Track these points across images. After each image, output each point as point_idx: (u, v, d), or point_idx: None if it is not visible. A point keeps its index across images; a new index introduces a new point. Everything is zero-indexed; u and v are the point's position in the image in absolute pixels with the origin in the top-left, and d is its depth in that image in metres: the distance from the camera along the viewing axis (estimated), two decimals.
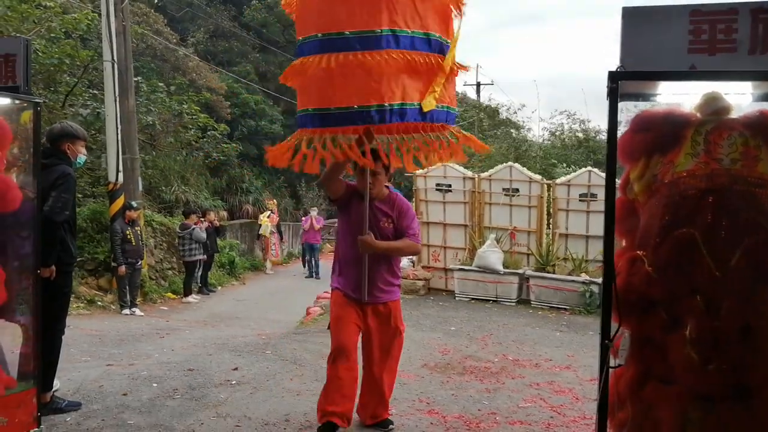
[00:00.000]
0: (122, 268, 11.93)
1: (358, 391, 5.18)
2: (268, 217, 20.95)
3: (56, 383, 5.59)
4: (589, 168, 13.25)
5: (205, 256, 15.14)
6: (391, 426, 5.26)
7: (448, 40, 4.58)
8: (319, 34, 4.27)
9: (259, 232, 21.27)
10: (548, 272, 12.42)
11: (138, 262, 12.45)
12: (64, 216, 5.24)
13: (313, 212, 20.37)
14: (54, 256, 5.17)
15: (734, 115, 3.09)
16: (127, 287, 12.14)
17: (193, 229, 14.40)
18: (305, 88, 4.53)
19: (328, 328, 5.10)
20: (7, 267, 4.65)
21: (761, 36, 2.90)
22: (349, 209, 5.12)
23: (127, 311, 11.87)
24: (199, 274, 15.45)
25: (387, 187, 5.26)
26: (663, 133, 3.10)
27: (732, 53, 2.93)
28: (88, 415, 5.43)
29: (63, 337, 5.56)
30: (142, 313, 12.03)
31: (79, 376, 6.48)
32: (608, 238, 3.03)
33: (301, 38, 4.49)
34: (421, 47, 4.35)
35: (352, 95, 4.22)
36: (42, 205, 4.91)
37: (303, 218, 21.12)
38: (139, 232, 12.57)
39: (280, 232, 21.75)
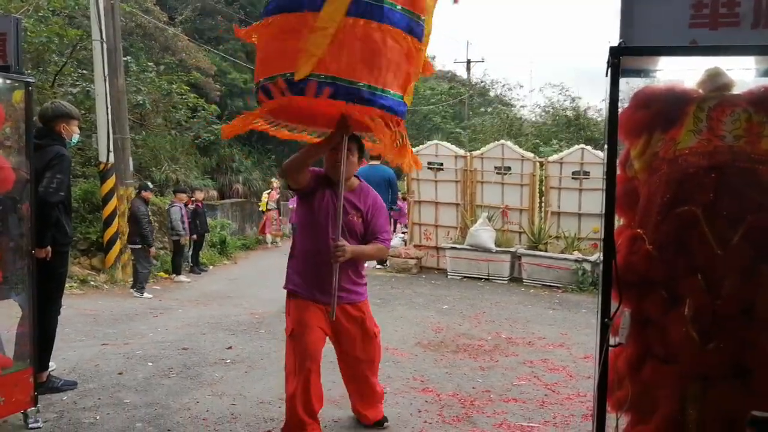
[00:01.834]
0: (153, 249, 12.06)
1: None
2: (269, 194, 21.18)
3: (52, 363, 5.59)
4: (582, 146, 13.24)
5: (195, 236, 15.10)
6: (386, 423, 4.97)
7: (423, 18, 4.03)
8: None
9: (261, 210, 21.65)
10: (540, 250, 12.44)
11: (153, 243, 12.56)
12: (58, 197, 5.21)
13: None
14: (49, 236, 5.15)
15: (737, 90, 3.07)
16: (146, 269, 12.15)
17: (172, 206, 14.37)
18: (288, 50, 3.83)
19: (290, 335, 4.47)
20: (2, 247, 4.62)
21: (765, 9, 2.84)
22: (312, 198, 4.48)
23: (135, 292, 11.82)
24: (190, 253, 15.41)
25: (356, 177, 4.73)
26: (664, 110, 3.06)
27: (735, 27, 2.87)
28: (84, 394, 5.44)
29: (58, 317, 5.54)
30: (151, 295, 12.00)
31: (75, 356, 6.48)
32: (608, 216, 3.01)
33: None
34: (405, 27, 3.88)
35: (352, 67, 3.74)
36: (36, 185, 4.88)
37: (291, 198, 21.13)
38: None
39: (279, 208, 21.86)
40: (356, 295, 4.64)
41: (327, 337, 4.59)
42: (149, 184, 12.87)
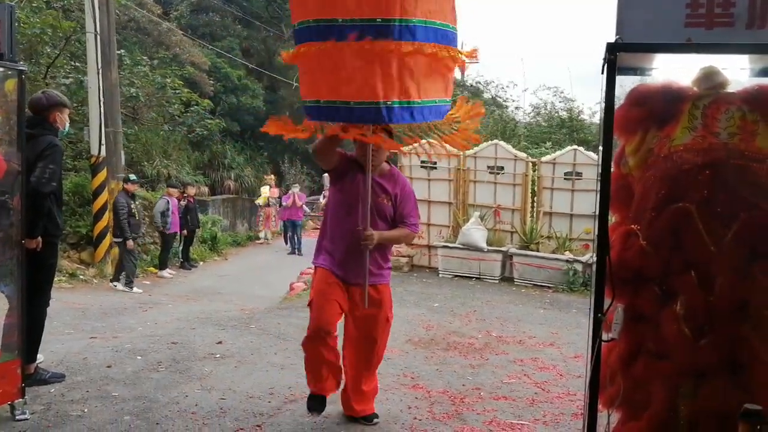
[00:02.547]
0: (131, 242, 11.78)
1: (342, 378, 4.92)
2: (270, 189, 21.32)
3: (39, 355, 5.55)
4: (575, 146, 13.26)
5: (185, 231, 15.08)
6: (376, 420, 4.95)
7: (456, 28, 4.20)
8: (339, 19, 3.81)
9: (259, 204, 21.71)
10: (532, 250, 12.45)
11: (138, 236, 12.32)
12: (51, 187, 5.16)
13: (295, 189, 20.36)
14: (40, 227, 5.10)
15: (731, 89, 3.08)
16: (132, 263, 12.02)
17: (159, 199, 14.37)
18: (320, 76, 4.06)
19: (309, 305, 4.69)
20: None
21: (759, 10, 2.86)
22: (343, 180, 4.67)
23: (120, 286, 11.73)
24: (181, 248, 15.38)
25: (387, 162, 4.86)
26: (660, 107, 3.08)
27: (729, 27, 2.89)
28: (72, 386, 5.41)
29: (47, 309, 5.50)
30: (141, 290, 11.91)
31: (63, 349, 6.44)
32: (602, 212, 3.01)
33: (302, 21, 4.04)
34: (435, 39, 4.00)
35: (371, 88, 3.85)
36: (28, 175, 4.84)
37: (284, 195, 21.17)
38: (137, 205, 12.42)
39: (281, 204, 21.97)
40: (380, 277, 4.79)
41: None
42: (131, 176, 12.63)
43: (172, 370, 6.03)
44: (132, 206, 11.96)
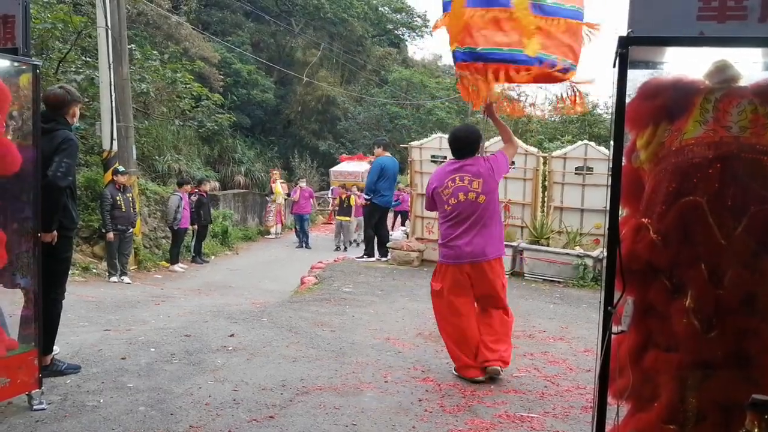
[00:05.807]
0: (110, 234, 11.77)
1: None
2: (282, 184, 21.52)
3: (55, 347, 5.62)
4: (586, 141, 13.23)
5: (197, 226, 15.16)
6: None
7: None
8: None
9: (280, 203, 21.82)
10: (542, 245, 12.45)
11: (128, 230, 12.28)
12: (67, 181, 5.22)
13: (302, 183, 20.49)
14: (56, 221, 5.16)
15: (743, 83, 3.09)
16: (117, 254, 12.05)
17: (171, 194, 14.43)
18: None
19: None
20: (7, 230, 4.64)
21: None
22: None
23: (115, 278, 11.80)
24: (193, 243, 15.46)
25: None
26: (672, 100, 3.08)
27: (742, 21, 2.89)
28: (87, 377, 5.48)
29: (62, 301, 5.57)
30: (130, 281, 11.98)
31: (78, 341, 6.51)
32: (613, 205, 3.02)
33: None
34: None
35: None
36: (43, 169, 4.89)
37: (294, 188, 21.32)
38: (130, 198, 12.38)
39: (288, 195, 22.13)
40: None
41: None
42: (120, 168, 12.54)
43: (186, 362, 6.08)
44: (118, 198, 11.93)
